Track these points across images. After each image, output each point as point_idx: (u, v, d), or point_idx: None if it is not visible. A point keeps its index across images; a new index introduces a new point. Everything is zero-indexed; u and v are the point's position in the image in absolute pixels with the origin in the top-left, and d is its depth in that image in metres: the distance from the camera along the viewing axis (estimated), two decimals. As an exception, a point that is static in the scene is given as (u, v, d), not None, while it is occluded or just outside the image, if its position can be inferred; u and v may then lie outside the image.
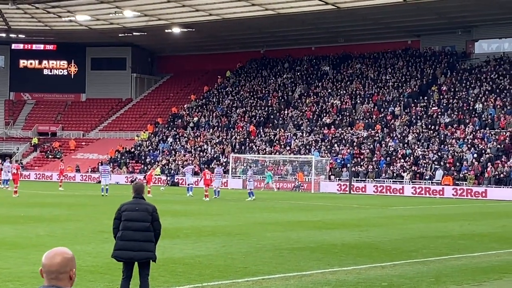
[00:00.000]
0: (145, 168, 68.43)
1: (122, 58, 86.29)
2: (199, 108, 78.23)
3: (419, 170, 55.99)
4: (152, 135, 75.56)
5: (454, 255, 19.12)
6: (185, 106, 79.52)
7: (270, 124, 70.45)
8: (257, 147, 66.69)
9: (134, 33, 75.57)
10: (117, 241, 11.29)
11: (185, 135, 73.52)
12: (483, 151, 55.49)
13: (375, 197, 51.19)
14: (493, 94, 62.01)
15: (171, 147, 71.82)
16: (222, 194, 44.90)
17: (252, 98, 76.15)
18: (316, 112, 69.45)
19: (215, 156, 67.50)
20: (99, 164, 65.65)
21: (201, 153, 68.78)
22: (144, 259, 11.22)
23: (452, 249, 20.16)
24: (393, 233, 24.28)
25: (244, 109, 74.50)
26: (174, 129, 75.49)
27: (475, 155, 55.23)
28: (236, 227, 25.01)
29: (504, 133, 56.56)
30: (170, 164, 67.32)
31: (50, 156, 77.39)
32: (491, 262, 18.15)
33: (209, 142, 70.38)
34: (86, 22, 71.53)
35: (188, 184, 45.30)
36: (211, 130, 72.90)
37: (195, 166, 55.30)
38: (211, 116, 75.49)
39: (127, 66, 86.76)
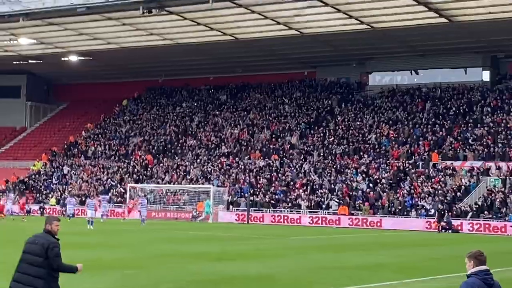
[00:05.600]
0: (40, 197, 66.95)
1: (17, 86, 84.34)
2: (96, 137, 77.20)
3: (315, 200, 56.83)
4: (48, 164, 73.97)
5: (351, 286, 19.44)
6: (82, 135, 78.32)
7: (168, 153, 70.17)
8: (155, 176, 66.28)
9: (29, 61, 74.06)
10: (14, 272, 11.06)
11: (81, 164, 72.31)
12: (377, 181, 56.86)
13: (273, 227, 51.60)
14: (386, 125, 63.75)
15: (67, 177, 70.46)
16: (121, 224, 44.34)
17: (150, 127, 75.73)
18: (214, 141, 69.67)
19: (112, 185, 66.65)
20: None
21: (97, 182, 67.76)
22: (31, 295, 10.91)
23: (349, 280, 20.49)
24: (292, 264, 24.53)
25: (142, 138, 73.98)
26: (71, 158, 74.17)
27: (370, 185, 56.54)
28: (135, 260, 24.72)
29: (397, 163, 58.13)
30: (65, 194, 66.01)
31: None
32: (388, 293, 18.59)
33: (106, 172, 69.45)
34: (-21, 49, 69.70)
35: (89, 218, 44.39)
36: (108, 159, 71.97)
37: (94, 198, 54.41)
38: (108, 145, 74.59)
39: (21, 94, 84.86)
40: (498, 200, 50.84)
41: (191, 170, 65.62)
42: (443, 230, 48.96)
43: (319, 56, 69.50)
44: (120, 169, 69.18)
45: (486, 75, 65.87)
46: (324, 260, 26.19)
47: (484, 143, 57.40)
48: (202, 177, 63.93)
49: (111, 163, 71.01)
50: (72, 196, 61.20)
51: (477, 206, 50.83)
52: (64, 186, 68.44)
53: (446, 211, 49.86)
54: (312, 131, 66.68)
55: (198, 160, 67.25)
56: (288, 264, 24.32)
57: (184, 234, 39.90)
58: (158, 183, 64.97)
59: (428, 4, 51.65)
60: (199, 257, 26.13)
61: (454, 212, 50.69)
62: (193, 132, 72.70)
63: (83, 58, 71.00)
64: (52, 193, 66.64)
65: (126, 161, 70.54)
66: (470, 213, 50.30)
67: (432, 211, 51.83)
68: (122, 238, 35.45)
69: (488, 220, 49.50)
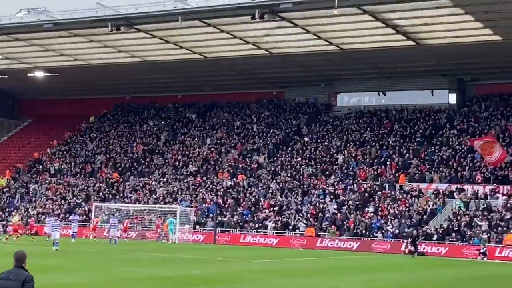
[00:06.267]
0: (3, 215, 65.92)
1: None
2: (62, 153, 76.36)
3: (283, 221, 56.63)
4: (12, 181, 72.95)
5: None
6: (47, 151, 77.44)
7: (135, 171, 69.58)
8: (121, 195, 65.66)
9: (-6, 76, 73.20)
10: None
11: (46, 181, 71.41)
12: (344, 202, 56.85)
13: (239, 248, 51.23)
14: (354, 146, 63.87)
15: (31, 194, 69.53)
16: (86, 244, 43.71)
17: (117, 144, 75.11)
18: (182, 160, 69.25)
19: (76, 203, 65.90)
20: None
21: (62, 201, 66.94)
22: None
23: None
24: (258, 290, 24.28)
25: (108, 155, 73.30)
26: (35, 175, 73.24)
27: (337, 206, 56.49)
28: (98, 285, 24.28)
29: (364, 185, 58.18)
30: (29, 212, 65.10)
31: None
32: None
33: (71, 189, 68.66)
34: None
35: (54, 239, 43.52)
36: (73, 177, 71.17)
37: (58, 219, 53.65)
38: (73, 162, 73.80)
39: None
40: (463, 223, 51.03)
41: (157, 189, 65.10)
42: (409, 254, 48.99)
43: (288, 76, 69.56)
44: (86, 187, 68.41)
45: (452, 98, 66.37)
46: (289, 286, 25.95)
47: (450, 166, 57.70)
48: (168, 196, 63.44)
49: (76, 181, 70.21)
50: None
51: (442, 229, 50.98)
52: (27, 204, 67.48)
53: (419, 236, 49.71)
54: (280, 151, 66.57)
55: (165, 179, 66.76)
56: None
57: (149, 256, 39.42)
58: (124, 202, 64.33)
59: (396, 27, 51.96)
60: (163, 282, 25.75)
61: (421, 235, 50.74)
62: (160, 151, 72.21)
63: (49, 74, 70.30)
64: (15, 210, 65.59)
65: (92, 179, 69.80)
66: (436, 236, 50.41)
67: (397, 231, 51.90)
68: (86, 261, 34.88)
69: (454, 243, 49.65)
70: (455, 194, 54.60)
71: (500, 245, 48.03)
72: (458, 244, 49.51)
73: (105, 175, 69.78)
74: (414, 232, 49.99)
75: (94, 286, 23.69)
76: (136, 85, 76.52)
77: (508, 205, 51.57)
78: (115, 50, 62.38)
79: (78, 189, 68.53)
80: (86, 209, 64.11)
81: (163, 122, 76.92)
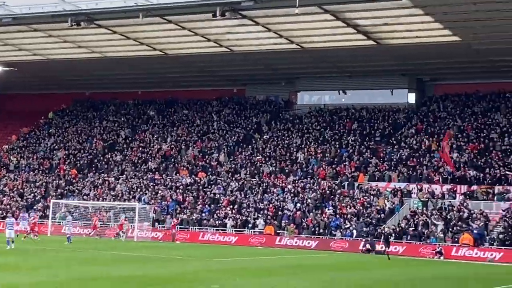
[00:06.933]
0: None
1: None
2: (20, 149, 75.46)
3: (242, 219, 56.63)
4: (-32, 177, 71.92)
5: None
6: (5, 147, 76.45)
7: (94, 168, 69.02)
8: (80, 192, 65.10)
9: (-49, 70, 72.04)
10: None
11: (4, 177, 70.52)
12: (304, 201, 57.04)
13: (198, 246, 51.13)
14: (314, 145, 64.08)
15: (-12, 190, 68.65)
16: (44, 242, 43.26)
17: (76, 140, 74.43)
18: (141, 157, 68.87)
19: (35, 200, 65.18)
20: None
21: (20, 197, 66.16)
22: None
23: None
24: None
25: (67, 151, 72.61)
26: (-8, 170, 72.31)
27: (296, 205, 56.64)
28: (55, 284, 24.01)
29: (324, 184, 58.42)
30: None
31: None
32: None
33: (29, 186, 67.91)
34: None
35: (8, 237, 42.86)
36: (31, 172, 70.39)
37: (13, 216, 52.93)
38: (32, 158, 72.97)
39: None
40: (420, 222, 51.52)
41: (116, 186, 64.66)
42: (366, 252, 49.38)
43: (248, 74, 69.58)
44: (44, 184, 67.69)
45: (411, 97, 67.02)
46: (247, 286, 25.94)
47: (409, 165, 58.20)
48: (128, 193, 63.06)
49: (35, 176, 69.43)
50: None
51: (400, 228, 51.41)
52: (-16, 200, 66.59)
53: (390, 235, 49.92)
54: (240, 149, 66.54)
55: (124, 176, 66.34)
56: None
57: (107, 255, 39.14)
58: (82, 198, 63.79)
59: (357, 26, 52.27)
60: (118, 283, 25.56)
61: (378, 234, 51.13)
62: (120, 147, 71.73)
63: (7, 68, 69.38)
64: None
65: (51, 175, 69.09)
66: (393, 235, 50.79)
67: (354, 232, 52.21)
68: (42, 259, 34.50)
69: (411, 242, 50.10)
70: (413, 193, 55.10)
71: (457, 245, 48.57)
72: (415, 243, 49.95)
73: (63, 172, 69.14)
74: (386, 229, 50.21)
75: (52, 285, 23.42)
76: (96, 81, 75.95)
77: (465, 204, 52.18)
78: (75, 45, 61.86)
79: (36, 185, 67.79)
80: (44, 205, 63.38)
81: (123, 119, 76.39)
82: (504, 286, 29.88)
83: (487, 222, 50.31)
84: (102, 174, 67.43)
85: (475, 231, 49.27)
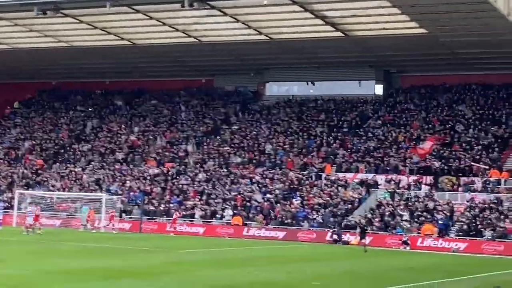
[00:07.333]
0: None
1: None
2: (-15, 139, 74.70)
3: (210, 209, 56.61)
4: None
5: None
6: (-30, 136, 75.63)
7: (60, 158, 68.53)
8: (47, 182, 64.60)
9: None
10: None
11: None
12: (272, 192, 57.16)
13: (166, 237, 51.04)
14: (282, 136, 64.21)
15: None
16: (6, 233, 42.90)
17: (42, 130, 73.81)
18: (109, 147, 68.51)
19: (0, 190, 64.56)
20: None
21: (-15, 187, 65.54)
22: None
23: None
24: (182, 282, 24.22)
25: (33, 141, 71.99)
26: (-44, 160, 71.44)
27: (264, 195, 56.75)
28: (19, 278, 23.84)
29: (291, 174, 58.56)
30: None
31: None
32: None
33: (-6, 176, 67.28)
34: None
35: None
36: (-3, 162, 69.72)
37: None
38: (-3, 148, 72.29)
39: None
40: (387, 213, 51.93)
41: (83, 176, 64.27)
42: (333, 242, 49.66)
43: (217, 64, 69.34)
44: (10, 174, 67.05)
45: (379, 89, 67.40)
46: (214, 277, 25.99)
47: (376, 156, 58.58)
48: (95, 184, 62.72)
49: (0, 167, 68.73)
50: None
51: (366, 218, 51.75)
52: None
53: (367, 227, 50.10)
54: (208, 140, 66.46)
55: (91, 166, 65.95)
56: (178, 282, 23.99)
57: (73, 246, 38.91)
58: (49, 189, 63.31)
59: (325, 18, 52.38)
60: (85, 275, 25.45)
61: (344, 224, 51.47)
62: (87, 137, 71.27)
63: (-27, 58, 68.58)
64: None
65: (16, 165, 68.45)
66: (369, 227, 50.98)
67: (320, 220, 52.46)
68: (7, 251, 34.21)
69: (377, 233, 50.47)
70: (379, 184, 55.48)
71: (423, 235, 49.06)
72: (381, 233, 50.34)
73: (29, 162, 68.56)
74: (363, 221, 50.30)
75: (16, 279, 23.25)
76: (63, 70, 75.24)
77: (430, 195, 52.68)
78: (41, 34, 61.24)
79: (2, 175, 67.15)
80: (9, 196, 62.79)
81: (90, 109, 75.86)
82: (468, 277, 30.27)
83: (452, 212, 50.84)
84: (69, 165, 66.96)
85: (440, 222, 49.80)
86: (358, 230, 49.35)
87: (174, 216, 54.93)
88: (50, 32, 60.70)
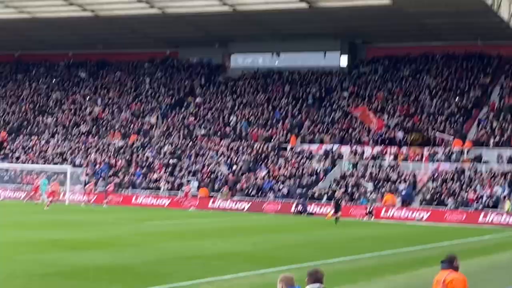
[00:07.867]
0: None
1: None
2: None
3: (175, 182, 56.60)
4: None
5: (207, 277, 19.42)
6: None
7: (24, 131, 67.91)
8: (10, 155, 64.02)
9: None
10: None
11: None
12: (237, 163, 57.28)
13: (131, 209, 50.97)
14: (247, 107, 64.24)
15: None
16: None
17: (5, 103, 72.98)
18: (73, 120, 68.00)
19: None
20: None
21: None
22: None
23: (205, 272, 20.45)
24: (147, 253, 24.26)
25: (-4, 114, 71.24)
26: None
27: (229, 167, 56.86)
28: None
29: (257, 146, 58.70)
30: None
31: None
32: (242, 286, 18.69)
33: (-44, 149, 66.48)
34: None
35: None
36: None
37: None
38: (-41, 121, 71.31)
39: None
40: (351, 183, 52.35)
41: (47, 149, 63.80)
42: (298, 214, 50.00)
43: (181, 36, 68.96)
44: (-28, 147, 66.40)
45: (344, 60, 67.57)
46: (179, 249, 26.06)
47: (340, 127, 58.90)
48: (59, 156, 62.32)
49: (-38, 140, 67.99)
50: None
51: (331, 189, 52.12)
52: None
53: (341, 200, 50.05)
54: (173, 112, 66.26)
55: (55, 139, 65.47)
56: (143, 254, 24.03)
57: (37, 218, 38.72)
58: (12, 162, 62.77)
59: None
60: (51, 246, 25.41)
61: (310, 195, 51.79)
62: (51, 110, 70.63)
63: None
64: None
65: (-21, 138, 67.76)
66: (325, 197, 51.48)
67: (286, 191, 52.69)
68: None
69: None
70: (344, 155, 55.84)
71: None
72: (346, 204, 50.72)
73: (-8, 135, 67.89)
74: (337, 193, 49.96)
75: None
76: (25, 42, 74.27)
77: (394, 166, 53.18)
78: (2, 5, 60.33)
79: (-36, 149, 66.46)
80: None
81: (53, 81, 75.10)
82: (429, 244, 30.73)
83: (415, 183, 51.40)
84: (33, 137, 66.40)
85: (403, 192, 50.35)
86: (333, 202, 49.54)
87: (186, 190, 54.22)
88: (13, 3, 59.95)
